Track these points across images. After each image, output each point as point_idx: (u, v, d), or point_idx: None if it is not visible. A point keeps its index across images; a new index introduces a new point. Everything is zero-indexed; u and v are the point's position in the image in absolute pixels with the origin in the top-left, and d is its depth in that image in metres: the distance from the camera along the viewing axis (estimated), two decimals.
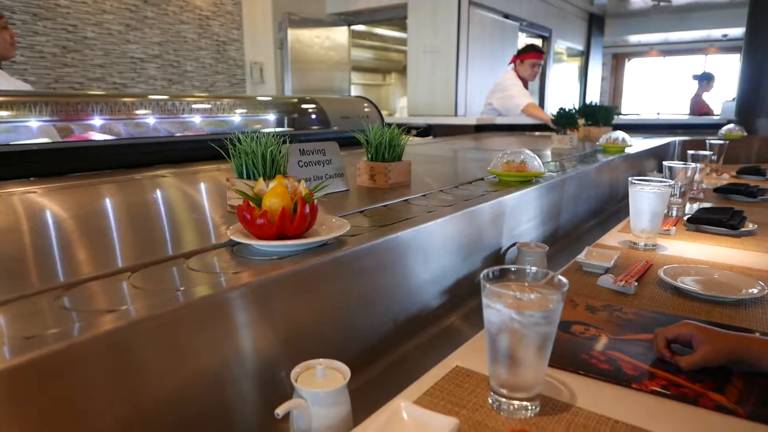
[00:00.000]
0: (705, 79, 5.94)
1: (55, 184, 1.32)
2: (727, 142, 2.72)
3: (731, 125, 3.55)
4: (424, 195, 1.25)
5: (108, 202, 1.20)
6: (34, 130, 1.74)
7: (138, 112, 2.04)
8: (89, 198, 1.23)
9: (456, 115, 5.36)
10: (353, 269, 0.85)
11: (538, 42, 7.46)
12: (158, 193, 1.31)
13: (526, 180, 1.47)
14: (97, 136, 1.88)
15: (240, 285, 0.67)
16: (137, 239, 0.90)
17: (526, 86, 4.41)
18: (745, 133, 3.48)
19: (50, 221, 1.01)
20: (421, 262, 1.01)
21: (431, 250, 1.03)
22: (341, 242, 0.84)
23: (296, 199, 0.79)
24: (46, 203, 1.14)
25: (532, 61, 4.30)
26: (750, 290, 1.04)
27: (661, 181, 1.40)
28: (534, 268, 0.69)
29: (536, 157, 1.51)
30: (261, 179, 0.84)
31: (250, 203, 0.79)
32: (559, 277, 0.66)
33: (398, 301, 0.96)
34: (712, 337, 0.75)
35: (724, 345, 0.74)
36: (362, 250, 0.85)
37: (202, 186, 1.43)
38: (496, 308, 0.63)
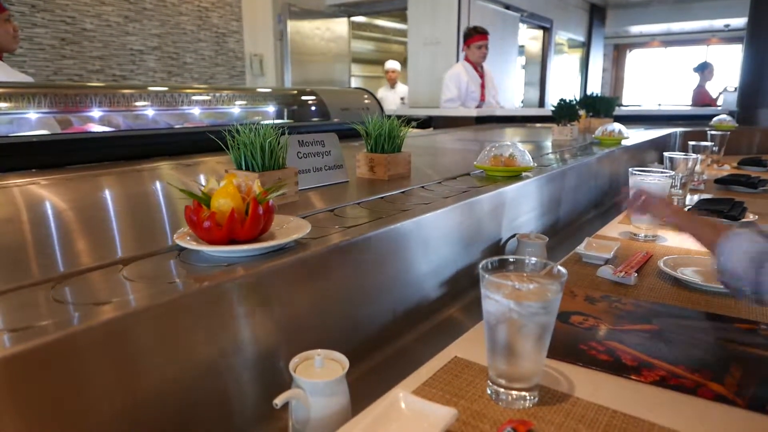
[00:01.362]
0: (703, 69, 5.90)
1: (54, 176, 1.32)
2: (728, 132, 2.71)
3: (723, 116, 3.54)
4: (402, 192, 1.18)
5: (98, 194, 1.20)
6: (34, 121, 1.74)
7: (137, 103, 2.03)
8: (82, 190, 1.23)
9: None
10: (350, 261, 0.84)
11: (539, 33, 7.43)
12: (156, 185, 1.31)
13: (514, 175, 1.40)
14: (97, 128, 1.87)
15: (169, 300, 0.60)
16: (92, 240, 0.84)
17: (477, 69, 4.43)
18: (736, 124, 3.46)
19: (37, 214, 1.01)
20: (420, 254, 1.01)
21: (429, 241, 1.03)
22: (302, 245, 0.78)
23: (248, 199, 0.72)
24: (45, 195, 1.14)
25: (477, 43, 4.34)
26: None
27: (661, 172, 1.39)
28: (533, 259, 0.69)
29: (525, 150, 1.45)
30: (212, 178, 0.76)
31: (200, 204, 0.72)
32: (558, 267, 0.66)
33: (397, 292, 0.96)
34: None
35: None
36: (357, 242, 0.84)
37: (201, 178, 1.42)
38: (494, 299, 0.63)
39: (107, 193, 1.21)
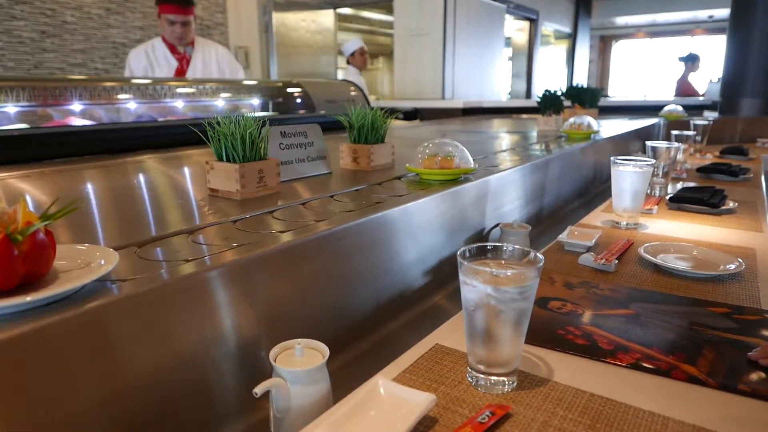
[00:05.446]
0: (691, 60, 5.95)
1: (34, 170, 1.30)
2: (711, 122, 2.74)
3: (672, 106, 3.60)
4: (320, 198, 1.02)
5: (76, 188, 1.18)
6: (13, 115, 1.72)
7: (120, 97, 2.01)
8: (66, 184, 1.22)
9: (443, 98, 5.34)
10: (331, 250, 0.85)
11: (525, 24, 7.43)
12: (138, 178, 1.30)
13: (452, 179, 1.21)
14: (78, 122, 1.85)
15: None
16: None
17: (176, 50, 3.11)
18: (686, 114, 3.51)
19: None
20: (403, 243, 1.01)
21: (413, 231, 1.03)
22: (106, 291, 0.57)
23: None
24: (25, 189, 1.13)
25: (166, 16, 3.03)
26: (727, 266, 1.06)
27: (642, 161, 1.41)
28: (510, 246, 0.69)
29: (464, 149, 1.26)
30: None
31: None
32: (535, 253, 0.67)
33: (380, 281, 0.97)
34: None
35: None
36: (339, 231, 0.85)
37: (186, 170, 1.41)
38: (472, 285, 0.63)
39: (81, 187, 1.19)
